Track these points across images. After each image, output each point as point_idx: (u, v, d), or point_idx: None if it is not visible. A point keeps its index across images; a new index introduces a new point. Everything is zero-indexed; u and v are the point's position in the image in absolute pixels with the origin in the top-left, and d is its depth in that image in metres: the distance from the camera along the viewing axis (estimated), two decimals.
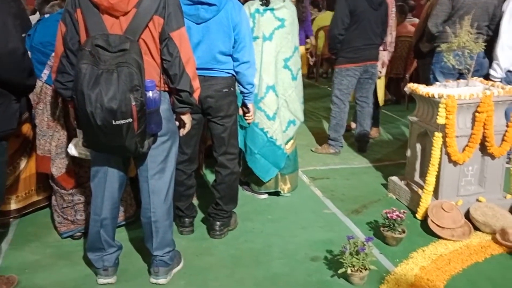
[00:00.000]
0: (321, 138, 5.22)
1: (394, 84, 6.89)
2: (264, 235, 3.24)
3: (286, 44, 3.51)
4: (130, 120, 2.14)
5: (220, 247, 3.08)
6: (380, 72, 4.98)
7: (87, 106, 2.10)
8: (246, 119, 3.24)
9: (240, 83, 3.02)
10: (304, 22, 5.26)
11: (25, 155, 3.24)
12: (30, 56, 2.79)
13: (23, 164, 3.24)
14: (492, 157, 3.39)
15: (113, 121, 2.11)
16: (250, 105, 3.14)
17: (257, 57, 3.33)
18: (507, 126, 3.37)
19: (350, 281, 2.67)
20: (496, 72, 4.11)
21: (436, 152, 3.30)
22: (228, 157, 3.10)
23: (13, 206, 3.27)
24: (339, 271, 2.67)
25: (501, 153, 3.38)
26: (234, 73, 2.98)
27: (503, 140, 3.37)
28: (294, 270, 2.83)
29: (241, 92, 3.07)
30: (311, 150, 4.96)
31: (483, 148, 3.36)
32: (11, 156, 3.00)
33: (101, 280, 2.66)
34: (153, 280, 2.68)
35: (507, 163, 3.60)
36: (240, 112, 3.21)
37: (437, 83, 3.72)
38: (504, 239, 3.06)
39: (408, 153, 3.72)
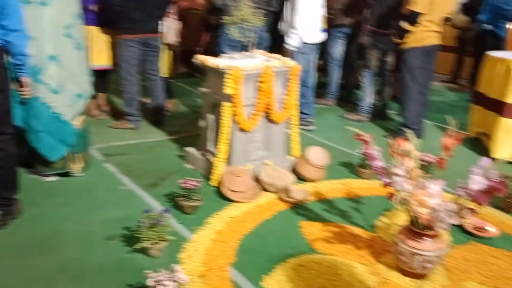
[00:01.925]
0: (117, 113, 5.02)
1: (188, 57, 6.99)
2: (54, 220, 2.98)
3: (66, 10, 3.22)
4: None
5: (2, 239, 2.75)
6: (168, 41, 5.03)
7: None
8: (22, 95, 2.90)
9: (11, 54, 2.68)
10: None
11: None
12: None
13: None
14: (275, 123, 3.70)
15: None
16: (25, 79, 2.81)
17: (33, 24, 3.00)
18: (286, 95, 3.70)
19: (148, 255, 2.65)
20: (294, 41, 4.50)
21: (226, 121, 3.46)
22: (2, 138, 2.75)
23: None
24: (136, 246, 2.63)
25: (282, 120, 3.71)
26: (3, 43, 2.63)
27: (283, 107, 3.70)
28: (88, 253, 2.68)
29: (14, 64, 2.73)
30: (108, 126, 4.74)
31: (267, 116, 3.65)
32: None
33: None
34: None
35: (288, 129, 3.97)
36: (16, 86, 2.86)
37: (224, 54, 3.87)
38: (287, 196, 3.39)
39: (201, 123, 3.82)
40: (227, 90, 3.38)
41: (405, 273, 2.59)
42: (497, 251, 2.89)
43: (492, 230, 3.08)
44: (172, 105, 5.44)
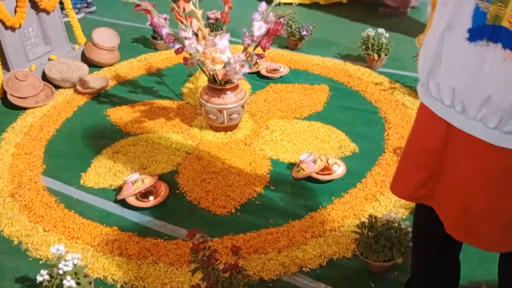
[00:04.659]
0: None
1: None
2: None
3: None
4: None
5: None
6: None
7: None
8: None
9: None
10: None
11: None
12: None
13: None
14: (47, 12, 3.29)
15: None
16: None
17: None
18: None
19: None
20: None
21: None
22: None
23: None
24: None
25: (54, 6, 3.30)
26: None
27: None
28: None
29: None
30: None
31: (35, 6, 3.20)
32: None
33: None
34: None
35: (66, 16, 3.59)
36: None
37: None
38: (85, 88, 3.18)
39: None
40: None
41: (216, 129, 2.72)
42: (290, 86, 3.19)
43: (283, 69, 3.35)
44: None
